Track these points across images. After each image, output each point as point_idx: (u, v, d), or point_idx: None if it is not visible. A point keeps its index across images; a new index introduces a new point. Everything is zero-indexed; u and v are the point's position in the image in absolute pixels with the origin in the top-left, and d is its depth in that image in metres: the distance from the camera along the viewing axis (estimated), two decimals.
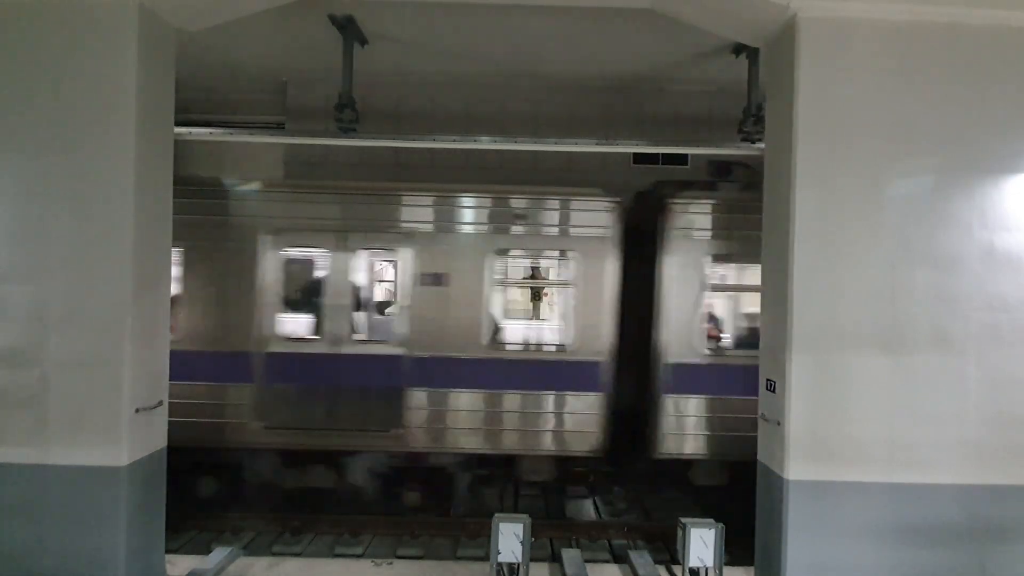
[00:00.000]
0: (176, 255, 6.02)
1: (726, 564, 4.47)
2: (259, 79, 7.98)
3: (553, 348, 7.04)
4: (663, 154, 8.25)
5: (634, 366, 7.12)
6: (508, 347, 6.96)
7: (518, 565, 4.33)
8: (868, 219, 4.16)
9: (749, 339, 6.64)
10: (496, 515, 4.40)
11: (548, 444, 6.91)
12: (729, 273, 7.05)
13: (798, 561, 4.13)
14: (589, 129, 7.70)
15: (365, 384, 6.81)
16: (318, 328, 6.89)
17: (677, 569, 4.78)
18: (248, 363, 6.73)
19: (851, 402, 4.16)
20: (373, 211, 6.91)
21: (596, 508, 7.37)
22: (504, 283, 7.00)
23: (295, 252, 6.97)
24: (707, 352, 6.88)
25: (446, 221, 6.91)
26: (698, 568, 4.38)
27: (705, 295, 6.86)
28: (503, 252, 6.91)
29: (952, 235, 4.18)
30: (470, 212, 6.94)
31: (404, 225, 6.92)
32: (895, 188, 4.16)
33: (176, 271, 6.25)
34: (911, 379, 4.16)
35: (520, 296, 8.31)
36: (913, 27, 4.13)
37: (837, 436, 4.15)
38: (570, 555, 5.18)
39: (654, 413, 6.86)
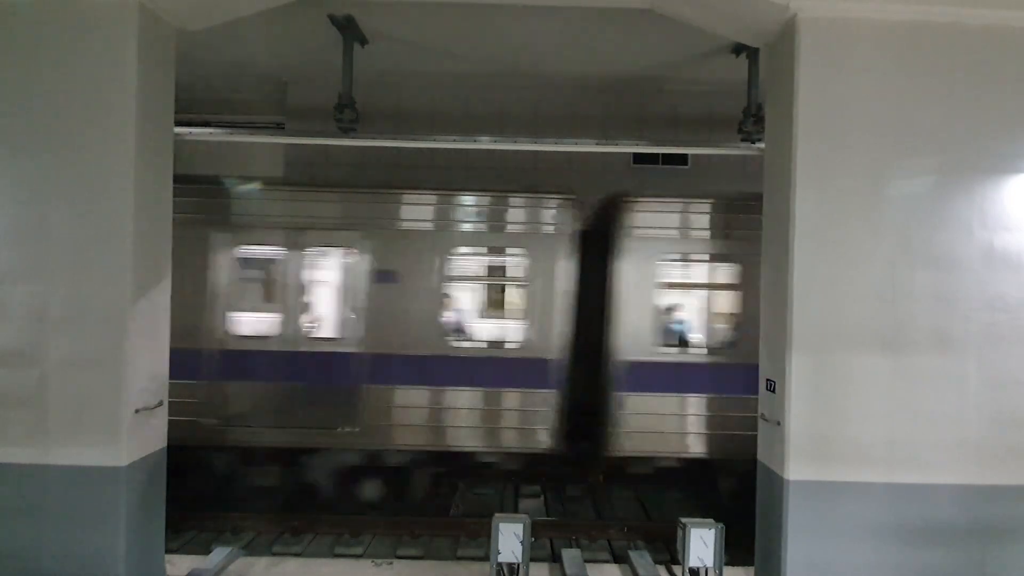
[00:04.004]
0: None
1: (726, 564, 4.48)
2: (259, 79, 7.99)
3: None
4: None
5: None
6: None
7: (518, 565, 4.33)
8: (868, 219, 4.16)
9: None
10: (496, 515, 4.41)
11: None
12: None
13: (798, 561, 4.13)
14: (589, 129, 7.71)
15: None
16: None
17: (677, 569, 4.78)
18: None
19: (851, 402, 4.16)
20: None
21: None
22: None
23: None
24: None
25: None
26: (698, 568, 4.38)
27: None
28: None
29: (952, 235, 4.18)
30: None
31: None
32: (895, 188, 4.16)
33: None
34: (911, 379, 4.16)
35: None
36: (913, 27, 4.14)
37: (837, 436, 4.15)
38: (570, 555, 5.18)
39: None
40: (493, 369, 6.72)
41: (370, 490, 6.96)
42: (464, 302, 7.09)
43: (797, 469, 4.14)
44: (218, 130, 6.98)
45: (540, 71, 7.56)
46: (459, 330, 6.91)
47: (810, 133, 4.14)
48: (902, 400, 4.15)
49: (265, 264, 6.83)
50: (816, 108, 4.13)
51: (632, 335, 6.66)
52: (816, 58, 4.13)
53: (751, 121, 6.57)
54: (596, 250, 6.92)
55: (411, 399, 6.65)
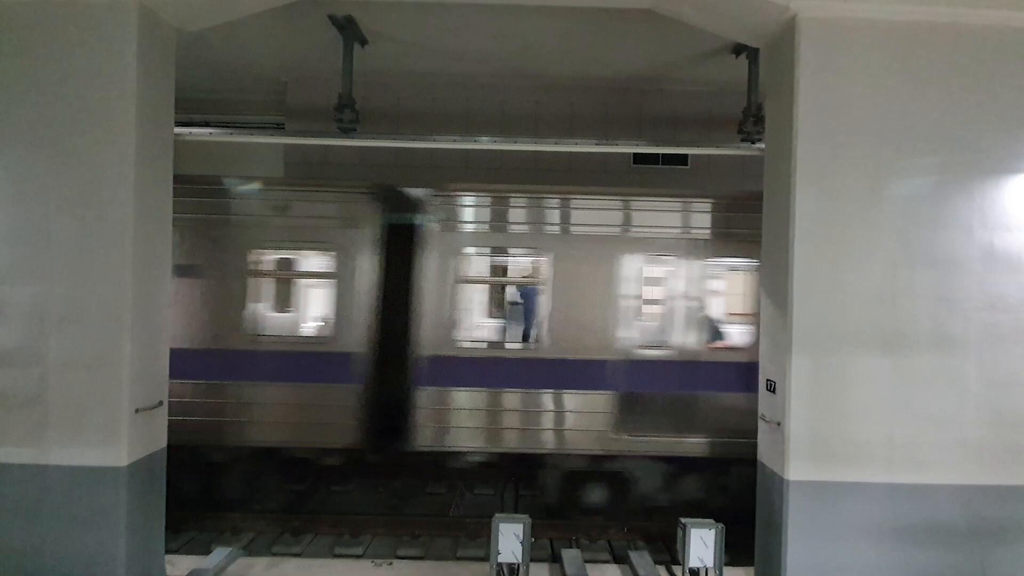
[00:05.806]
0: None
1: (725, 564, 4.48)
2: (259, 79, 7.98)
3: None
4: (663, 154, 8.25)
5: None
6: None
7: (518, 565, 4.33)
8: (868, 219, 4.16)
9: None
10: (496, 515, 4.41)
11: None
12: None
13: (798, 561, 4.13)
14: (589, 129, 7.71)
15: None
16: None
17: (677, 569, 4.78)
18: None
19: (851, 402, 4.16)
20: None
21: None
22: None
23: None
24: None
25: None
26: (698, 568, 4.38)
27: None
28: None
29: (952, 235, 4.18)
30: None
31: None
32: (895, 188, 4.16)
33: None
34: (911, 379, 4.16)
35: None
36: (913, 27, 4.14)
37: (837, 436, 4.15)
38: (570, 555, 5.18)
39: None
40: None
41: None
42: None
43: (797, 469, 4.14)
44: (218, 130, 6.99)
45: (540, 71, 7.56)
46: None
47: (810, 133, 4.14)
48: (902, 400, 4.15)
49: None
50: (816, 108, 4.13)
51: None
52: (816, 58, 4.13)
53: (751, 121, 6.57)
54: None
55: None
